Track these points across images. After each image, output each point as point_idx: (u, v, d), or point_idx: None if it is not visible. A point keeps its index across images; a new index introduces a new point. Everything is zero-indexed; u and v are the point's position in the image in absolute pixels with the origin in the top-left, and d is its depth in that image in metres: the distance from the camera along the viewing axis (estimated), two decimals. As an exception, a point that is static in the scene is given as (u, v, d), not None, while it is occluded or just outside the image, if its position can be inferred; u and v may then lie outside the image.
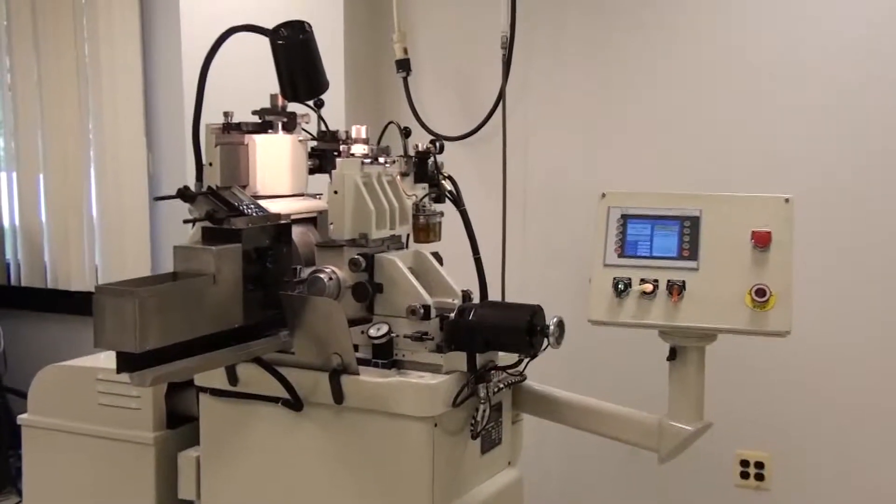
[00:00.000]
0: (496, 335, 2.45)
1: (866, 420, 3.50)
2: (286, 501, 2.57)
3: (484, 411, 2.48)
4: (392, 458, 2.43)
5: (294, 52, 2.62)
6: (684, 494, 3.77)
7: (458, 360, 2.47)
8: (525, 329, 2.42)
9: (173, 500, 2.75)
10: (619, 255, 2.62)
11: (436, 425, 2.41)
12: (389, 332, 2.48)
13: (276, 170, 2.76)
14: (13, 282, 5.20)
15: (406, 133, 2.77)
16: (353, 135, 2.67)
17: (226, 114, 2.70)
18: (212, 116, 2.68)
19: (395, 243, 2.66)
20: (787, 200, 2.55)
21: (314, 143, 2.84)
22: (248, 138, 2.72)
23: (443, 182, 2.79)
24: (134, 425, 2.77)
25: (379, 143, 2.78)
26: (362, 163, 2.56)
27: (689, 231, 2.59)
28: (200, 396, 2.66)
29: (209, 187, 2.55)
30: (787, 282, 2.48)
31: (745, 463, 3.66)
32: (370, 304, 2.53)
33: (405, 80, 4.13)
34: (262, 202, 2.57)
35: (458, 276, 2.66)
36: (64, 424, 2.87)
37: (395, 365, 2.50)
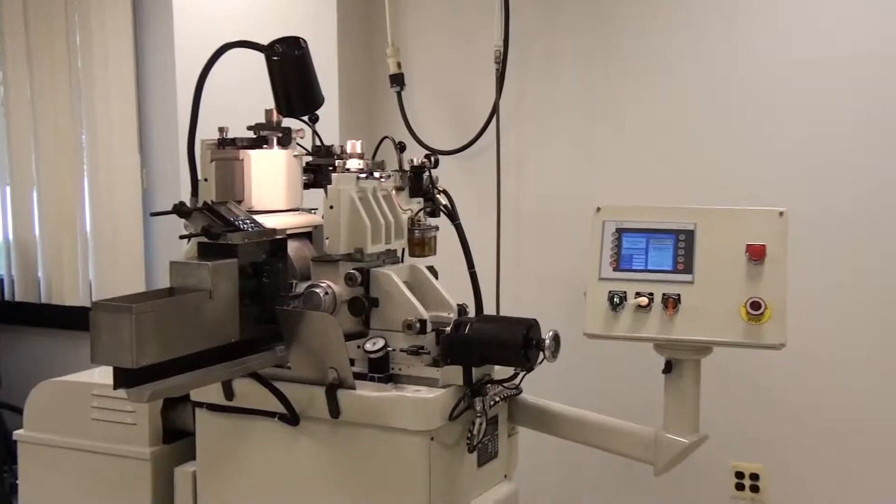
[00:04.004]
0: (492, 349, 2.46)
1: (862, 432, 3.50)
2: (283, 516, 2.57)
3: (480, 425, 2.48)
4: (389, 472, 2.43)
5: (289, 67, 2.63)
6: (680, 507, 3.77)
7: (455, 373, 2.47)
8: (521, 343, 2.43)
9: (170, 516, 2.75)
10: (615, 269, 2.63)
11: (432, 439, 2.42)
12: (385, 346, 2.48)
13: (271, 185, 2.76)
14: (7, 297, 5.21)
15: (401, 148, 2.78)
16: (349, 150, 2.68)
17: (221, 129, 2.71)
18: (206, 132, 2.69)
19: (391, 257, 2.67)
20: (780, 214, 2.56)
21: (309, 158, 2.84)
22: (243, 153, 2.72)
23: (437, 196, 2.79)
24: (130, 440, 2.77)
25: (374, 157, 2.79)
26: (357, 177, 2.57)
27: (683, 244, 2.60)
28: (197, 411, 2.66)
29: (205, 203, 2.55)
30: (782, 295, 2.49)
31: (740, 475, 3.66)
32: (366, 318, 2.53)
33: (399, 94, 4.13)
34: (257, 217, 2.57)
35: (454, 290, 2.66)
36: (60, 440, 2.87)
37: (392, 379, 2.50)
